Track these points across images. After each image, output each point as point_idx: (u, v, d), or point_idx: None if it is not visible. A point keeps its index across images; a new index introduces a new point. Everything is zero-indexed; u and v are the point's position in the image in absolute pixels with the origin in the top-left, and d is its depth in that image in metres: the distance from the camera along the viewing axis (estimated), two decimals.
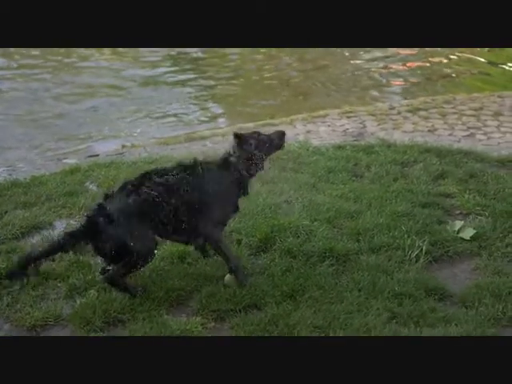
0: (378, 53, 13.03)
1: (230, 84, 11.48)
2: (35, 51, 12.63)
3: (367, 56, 13.00)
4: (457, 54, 12.93)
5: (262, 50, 12.98)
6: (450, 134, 8.12)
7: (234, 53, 13.02)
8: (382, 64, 12.61)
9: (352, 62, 12.80)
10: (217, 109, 10.49)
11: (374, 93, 11.10)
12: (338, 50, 13.01)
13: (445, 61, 12.74)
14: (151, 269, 4.62)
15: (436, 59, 12.78)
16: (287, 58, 12.85)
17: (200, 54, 12.97)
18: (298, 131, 8.29)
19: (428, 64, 12.56)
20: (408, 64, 12.53)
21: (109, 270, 4.41)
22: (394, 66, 12.46)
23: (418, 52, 13.04)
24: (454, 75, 12.03)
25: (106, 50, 12.93)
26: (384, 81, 11.66)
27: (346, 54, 13.10)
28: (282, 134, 4.83)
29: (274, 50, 12.97)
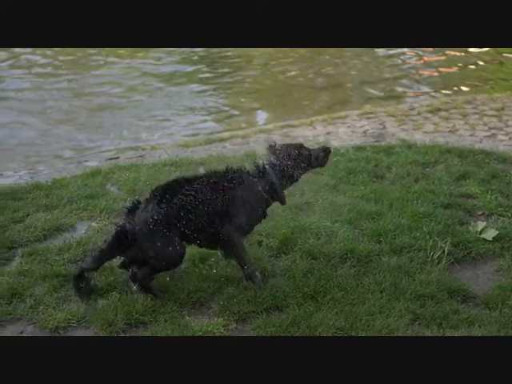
0: (421, 52, 12.72)
1: (259, 84, 11.37)
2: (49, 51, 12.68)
3: (413, 59, 12.68)
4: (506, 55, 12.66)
5: (295, 50, 12.70)
6: (471, 135, 8.06)
7: (261, 52, 12.80)
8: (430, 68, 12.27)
9: (391, 62, 12.47)
10: (249, 109, 10.32)
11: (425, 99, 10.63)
12: (374, 49, 12.74)
13: (483, 61, 12.48)
14: (173, 271, 4.63)
15: (483, 60, 12.51)
16: (319, 58, 12.66)
17: (228, 53, 12.76)
18: (318, 132, 8.27)
19: (474, 66, 12.25)
20: (459, 65, 12.25)
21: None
22: (444, 69, 12.09)
23: (468, 54, 12.77)
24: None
25: (127, 51, 12.91)
26: (429, 88, 11.19)
27: (383, 54, 12.77)
28: (327, 152, 4.73)
29: (305, 52, 12.78)
